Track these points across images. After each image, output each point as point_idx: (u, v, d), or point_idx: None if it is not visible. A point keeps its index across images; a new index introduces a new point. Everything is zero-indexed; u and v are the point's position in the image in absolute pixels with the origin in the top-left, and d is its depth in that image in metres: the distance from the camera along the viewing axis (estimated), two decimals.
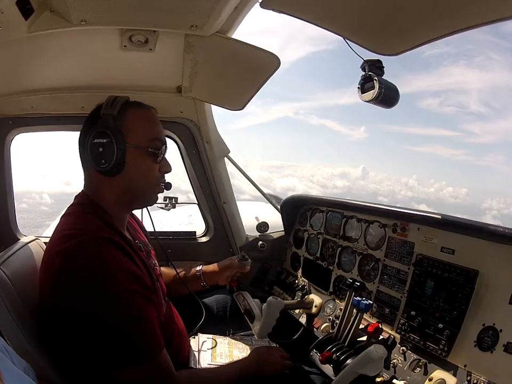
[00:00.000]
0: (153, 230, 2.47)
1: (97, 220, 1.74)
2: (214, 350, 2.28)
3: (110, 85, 2.58)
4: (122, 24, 1.93)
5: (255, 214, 3.49)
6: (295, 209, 3.34)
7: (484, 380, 1.73)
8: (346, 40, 1.89)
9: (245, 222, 3.43)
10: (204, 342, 2.33)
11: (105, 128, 1.75)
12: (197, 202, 3.33)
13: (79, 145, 1.88)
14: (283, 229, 3.44)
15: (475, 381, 1.75)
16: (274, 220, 3.46)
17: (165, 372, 1.67)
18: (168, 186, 2.02)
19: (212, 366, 2.15)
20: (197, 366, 2.14)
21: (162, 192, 2.02)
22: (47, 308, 1.62)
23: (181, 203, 3.15)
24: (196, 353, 2.22)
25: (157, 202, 2.12)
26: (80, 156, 1.89)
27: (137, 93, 2.51)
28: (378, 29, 1.79)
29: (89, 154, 1.77)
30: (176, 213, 3.73)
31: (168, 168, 1.96)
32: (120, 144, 1.74)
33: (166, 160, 1.96)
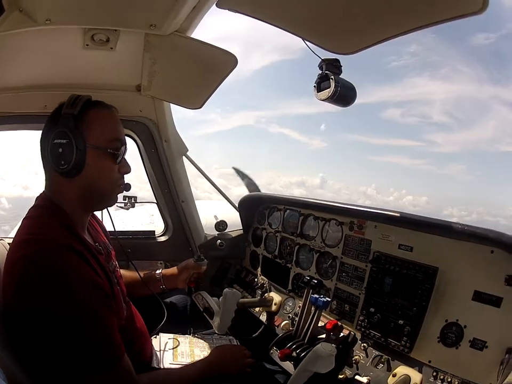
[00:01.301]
0: (113, 230, 2.32)
1: (57, 223, 1.62)
2: (176, 350, 2.19)
3: (72, 84, 2.42)
4: (85, 24, 1.84)
5: (213, 213, 3.35)
6: (253, 207, 3.24)
7: (452, 375, 1.66)
8: (305, 41, 1.81)
9: (204, 221, 3.31)
10: (165, 342, 2.23)
11: (66, 128, 1.63)
12: (155, 202, 3.18)
13: (40, 145, 1.74)
14: (241, 228, 3.33)
15: (442, 377, 1.71)
16: (233, 219, 3.35)
17: (126, 377, 1.58)
18: (127, 187, 1.92)
19: (173, 365, 2.05)
20: (160, 365, 2.04)
21: (122, 192, 1.91)
22: (11, 312, 1.50)
23: (140, 202, 3.00)
24: (158, 353, 2.12)
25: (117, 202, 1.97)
26: (41, 156, 1.75)
27: (97, 92, 2.39)
28: (335, 28, 1.72)
29: (50, 155, 1.66)
30: (138, 213, 3.56)
31: (127, 169, 1.85)
32: (80, 144, 1.63)
33: (126, 161, 1.85)
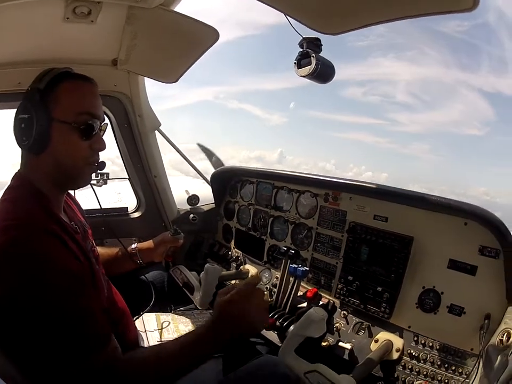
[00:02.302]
0: (88, 208, 2.23)
1: (34, 205, 1.52)
2: (160, 328, 2.15)
3: (47, 59, 2.25)
4: None
5: (185, 187, 3.27)
6: (225, 181, 3.18)
7: (432, 339, 1.71)
8: (287, 17, 1.76)
9: (176, 196, 3.23)
10: (147, 321, 2.17)
11: (28, 103, 1.54)
12: (128, 177, 3.08)
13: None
14: (213, 202, 3.28)
15: (423, 341, 1.76)
16: (205, 193, 3.29)
17: (114, 358, 1.47)
18: (101, 166, 1.76)
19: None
20: (147, 345, 1.98)
21: (95, 172, 1.79)
22: None
23: (113, 178, 2.87)
24: (143, 334, 2.06)
25: None
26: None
27: (72, 66, 2.22)
28: (322, 7, 1.66)
29: (15, 130, 1.58)
30: (105, 191, 3.40)
31: (100, 146, 1.69)
32: (42, 119, 1.52)
33: (100, 136, 1.70)
